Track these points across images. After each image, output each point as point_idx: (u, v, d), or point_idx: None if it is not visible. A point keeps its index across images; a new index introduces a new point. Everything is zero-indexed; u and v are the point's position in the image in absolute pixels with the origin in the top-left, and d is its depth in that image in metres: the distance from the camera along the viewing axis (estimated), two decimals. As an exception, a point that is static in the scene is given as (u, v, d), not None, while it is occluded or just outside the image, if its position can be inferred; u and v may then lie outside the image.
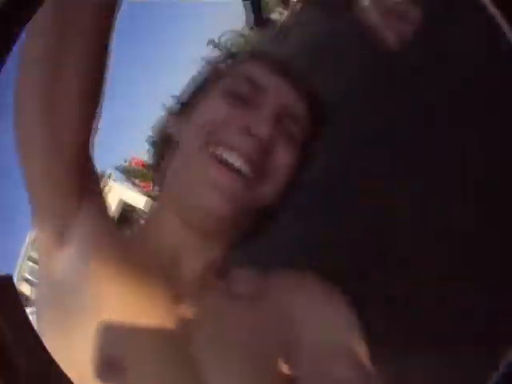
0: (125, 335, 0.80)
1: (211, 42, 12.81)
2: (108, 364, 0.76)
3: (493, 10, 0.42)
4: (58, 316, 0.82)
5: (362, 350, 0.83)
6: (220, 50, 6.67)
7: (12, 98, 0.76)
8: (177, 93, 1.14)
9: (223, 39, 7.02)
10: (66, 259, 0.84)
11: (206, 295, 0.91)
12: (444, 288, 1.29)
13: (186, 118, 0.97)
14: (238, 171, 0.87)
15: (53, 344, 0.71)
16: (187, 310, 0.87)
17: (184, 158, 0.94)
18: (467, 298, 1.25)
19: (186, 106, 0.99)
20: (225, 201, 0.86)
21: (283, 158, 0.91)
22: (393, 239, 1.35)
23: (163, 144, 1.01)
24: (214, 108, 0.93)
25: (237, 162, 0.86)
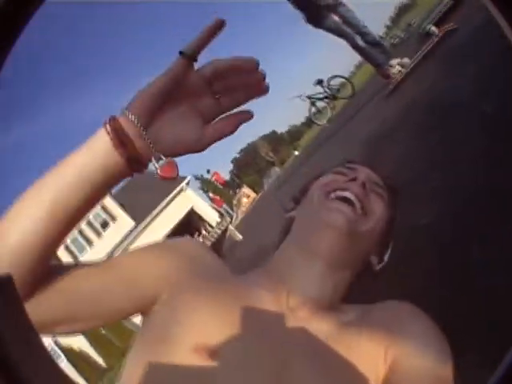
0: (219, 330, 0.86)
1: (319, 82, 14.83)
2: (199, 350, 0.82)
3: (493, 10, 0.39)
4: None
5: (451, 379, 0.82)
6: (325, 90, 12.78)
7: None
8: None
9: (332, 82, 12.98)
10: (160, 305, 0.92)
11: (309, 321, 0.98)
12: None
13: (302, 199, 1.21)
14: (351, 203, 1.05)
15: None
16: (287, 326, 0.97)
17: (308, 211, 1.12)
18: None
19: (302, 195, 1.22)
20: (345, 220, 1.01)
21: (376, 205, 1.10)
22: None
23: (287, 225, 1.20)
24: (328, 177, 1.17)
25: (350, 196, 1.05)
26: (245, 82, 0.78)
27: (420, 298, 1.07)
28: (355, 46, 5.83)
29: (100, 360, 25.50)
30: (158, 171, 0.76)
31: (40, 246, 0.76)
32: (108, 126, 0.74)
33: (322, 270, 1.05)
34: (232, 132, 0.82)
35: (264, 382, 0.82)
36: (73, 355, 23.92)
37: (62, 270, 0.87)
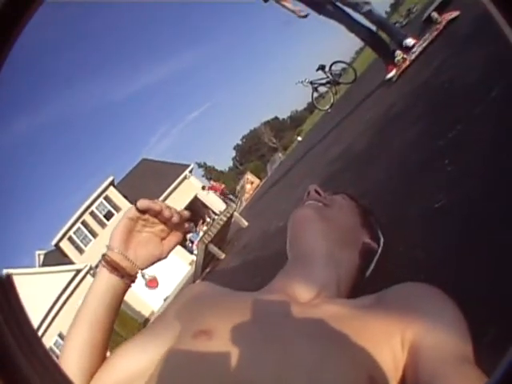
0: (216, 314, 0.99)
1: (322, 67, 14.91)
2: (197, 333, 0.93)
3: (493, 10, 0.38)
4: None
5: (471, 355, 0.80)
6: (327, 76, 13.00)
7: None
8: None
9: (334, 68, 13.16)
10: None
11: (319, 306, 1.04)
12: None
13: None
14: (315, 202, 1.39)
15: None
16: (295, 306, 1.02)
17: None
18: None
19: None
20: (312, 208, 1.36)
21: (334, 200, 1.44)
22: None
23: None
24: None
25: (311, 200, 1.41)
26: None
27: (438, 278, 1.11)
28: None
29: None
30: (145, 283, 1.28)
31: (91, 352, 1.08)
32: (103, 261, 1.15)
33: (316, 261, 1.22)
34: (180, 241, 1.26)
35: (268, 366, 0.83)
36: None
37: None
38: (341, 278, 1.20)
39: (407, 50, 5.38)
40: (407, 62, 5.18)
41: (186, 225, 1.24)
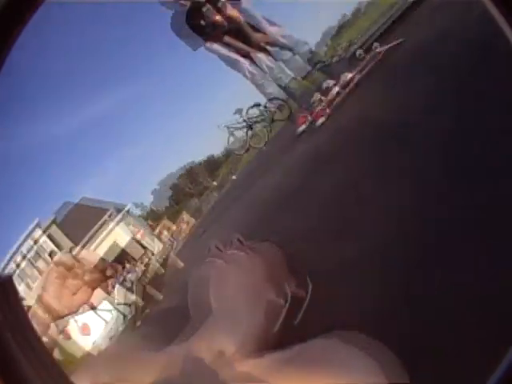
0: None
1: (238, 111, 14.55)
2: None
3: (493, 10, 0.39)
4: None
5: None
6: (244, 120, 12.53)
7: None
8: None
9: (250, 111, 12.60)
10: None
11: (240, 362, 1.04)
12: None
13: None
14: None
15: None
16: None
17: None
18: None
19: None
20: (216, 265, 1.36)
21: (238, 254, 1.38)
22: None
23: None
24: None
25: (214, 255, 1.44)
26: None
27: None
28: None
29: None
30: (79, 330, 1.75)
31: None
32: None
33: (221, 320, 1.24)
34: (86, 300, 1.49)
35: None
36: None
37: None
38: (254, 334, 1.20)
39: (326, 91, 5.63)
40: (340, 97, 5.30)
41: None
